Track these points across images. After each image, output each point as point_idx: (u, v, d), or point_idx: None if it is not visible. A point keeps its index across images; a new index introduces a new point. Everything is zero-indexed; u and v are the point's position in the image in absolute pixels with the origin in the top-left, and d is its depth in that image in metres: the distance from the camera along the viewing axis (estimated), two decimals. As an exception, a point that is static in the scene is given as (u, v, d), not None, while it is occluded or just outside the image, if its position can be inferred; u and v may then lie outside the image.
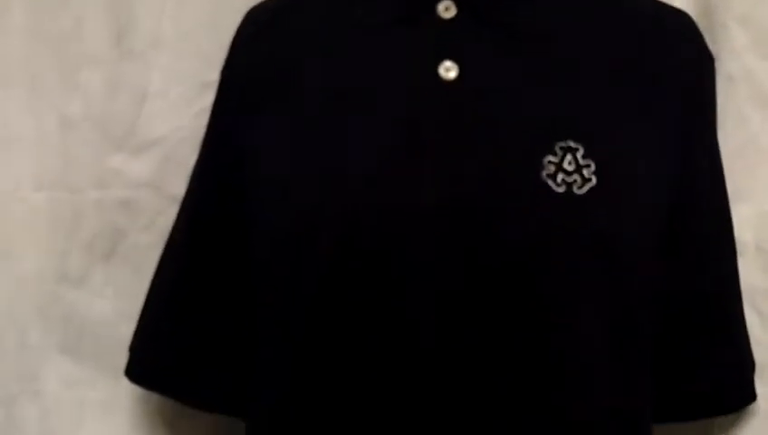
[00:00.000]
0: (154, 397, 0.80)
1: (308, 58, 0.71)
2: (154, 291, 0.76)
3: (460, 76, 0.66)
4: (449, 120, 0.66)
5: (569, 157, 0.65)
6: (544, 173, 0.64)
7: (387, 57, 0.69)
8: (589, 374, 0.65)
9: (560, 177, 0.64)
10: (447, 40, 0.68)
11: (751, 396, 0.73)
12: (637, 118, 0.67)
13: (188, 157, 0.78)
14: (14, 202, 0.83)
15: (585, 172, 0.65)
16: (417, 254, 0.64)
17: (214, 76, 0.77)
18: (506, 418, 0.64)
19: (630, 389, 0.67)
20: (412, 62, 0.68)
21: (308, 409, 0.67)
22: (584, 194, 0.64)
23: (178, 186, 0.78)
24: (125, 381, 0.77)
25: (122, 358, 0.76)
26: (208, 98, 0.77)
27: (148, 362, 0.76)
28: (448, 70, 0.66)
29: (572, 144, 0.65)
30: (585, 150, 0.65)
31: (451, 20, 0.68)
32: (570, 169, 0.64)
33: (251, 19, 0.76)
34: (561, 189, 0.64)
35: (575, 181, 0.64)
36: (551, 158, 0.65)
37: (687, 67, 0.70)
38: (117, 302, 0.82)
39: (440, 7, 0.68)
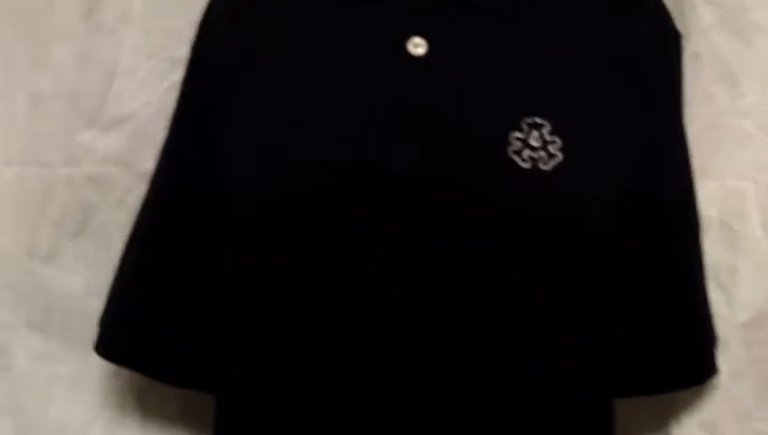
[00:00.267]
0: (124, 372, 0.80)
1: (277, 34, 0.71)
2: (123, 267, 0.76)
3: (429, 52, 0.66)
4: (418, 96, 0.66)
5: (535, 133, 0.65)
6: (511, 149, 0.65)
7: (356, 33, 0.69)
8: (551, 346, 0.66)
9: (526, 153, 0.65)
10: (416, 16, 0.68)
11: (713, 370, 0.74)
12: (604, 95, 0.68)
13: (159, 133, 0.77)
14: (-17, 178, 0.82)
15: (551, 148, 0.65)
16: (387, 226, 0.65)
17: (184, 51, 0.76)
18: (472, 387, 0.65)
19: (593, 362, 0.68)
20: (381, 39, 0.68)
21: (278, 382, 0.67)
22: (550, 170, 0.65)
23: (149, 162, 0.78)
24: (95, 357, 0.77)
25: (92, 333, 0.76)
26: (179, 73, 0.77)
27: (118, 338, 0.76)
28: (417, 46, 0.67)
29: (539, 120, 0.65)
30: (552, 127, 0.65)
31: None
32: (536, 146, 0.65)
33: None
34: (527, 165, 0.64)
35: (541, 157, 0.65)
36: (517, 134, 0.65)
37: (655, 45, 0.70)
38: (87, 278, 0.82)
39: None
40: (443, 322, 0.65)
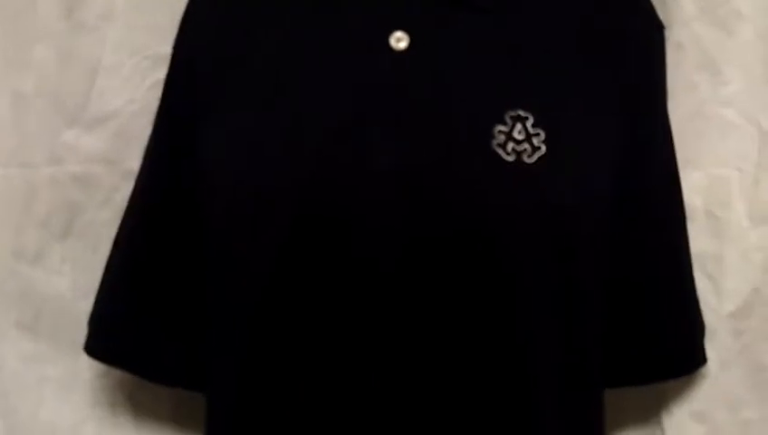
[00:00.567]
0: (114, 372, 0.80)
1: (259, 30, 0.71)
2: (111, 266, 0.76)
3: (411, 46, 0.66)
4: (400, 90, 0.66)
5: (519, 126, 0.65)
6: (494, 142, 0.65)
7: (337, 28, 0.69)
8: (538, 339, 0.66)
9: (510, 146, 0.65)
10: (398, 11, 0.68)
11: (701, 359, 0.74)
12: (587, 87, 0.68)
13: (143, 130, 0.77)
14: (-33, 179, 0.82)
15: (535, 141, 0.65)
16: (371, 221, 0.65)
17: (167, 49, 0.76)
18: (460, 382, 0.65)
19: (581, 353, 0.68)
20: (363, 33, 0.68)
21: (268, 379, 0.67)
22: (534, 163, 0.65)
23: (134, 160, 0.78)
24: (84, 357, 0.77)
25: (81, 334, 0.76)
26: (162, 71, 0.77)
27: (107, 338, 0.76)
28: (399, 40, 0.67)
29: (522, 113, 0.65)
30: (535, 119, 0.65)
31: None
32: (520, 138, 0.65)
33: None
34: (511, 158, 0.64)
35: (525, 150, 0.65)
36: (501, 127, 0.65)
37: (637, 36, 0.70)
38: (74, 278, 0.82)
39: None
40: (430, 317, 0.65)
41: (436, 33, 0.67)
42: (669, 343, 0.72)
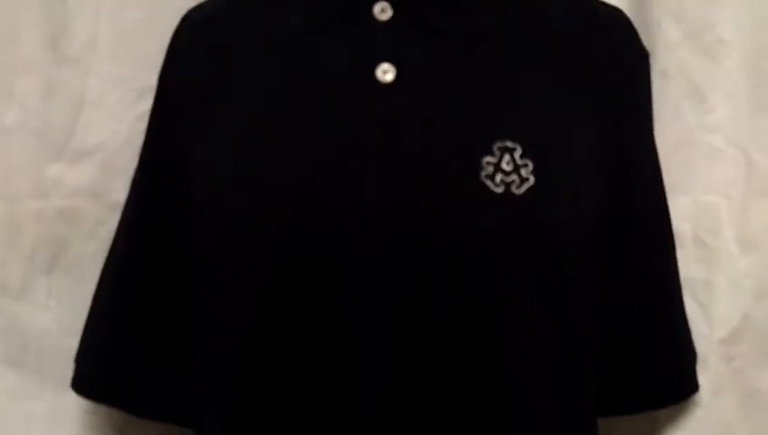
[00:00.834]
0: (102, 408, 0.79)
1: (245, 62, 0.70)
2: (97, 302, 0.75)
3: (398, 78, 0.66)
4: (388, 123, 0.66)
5: (507, 157, 0.65)
6: (483, 174, 0.64)
7: (324, 60, 0.68)
8: (531, 369, 0.65)
9: (498, 177, 0.64)
10: (384, 42, 0.67)
11: (693, 387, 0.74)
12: (573, 116, 0.68)
13: (129, 163, 0.77)
14: (-49, 214, 0.81)
15: (523, 172, 0.65)
16: (359, 257, 0.64)
17: (152, 80, 0.76)
18: (451, 413, 0.64)
19: (574, 383, 0.67)
20: (349, 66, 0.67)
21: (252, 420, 0.66)
22: (523, 194, 0.64)
23: (120, 193, 0.77)
24: (71, 393, 0.76)
25: (68, 370, 0.76)
26: (147, 102, 0.76)
27: (94, 374, 0.75)
28: (386, 72, 0.66)
29: (510, 144, 0.65)
30: (523, 150, 0.65)
31: (387, 22, 0.68)
32: (508, 170, 0.64)
33: (187, 23, 0.75)
34: (499, 190, 0.64)
35: (513, 181, 0.64)
36: (489, 158, 0.65)
37: (622, 64, 0.70)
38: (60, 313, 0.81)
39: (376, 9, 0.68)
40: (421, 354, 0.64)
41: (422, 64, 0.67)
42: (662, 371, 0.72)
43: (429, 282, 0.64)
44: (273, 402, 0.65)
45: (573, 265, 0.66)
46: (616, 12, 0.73)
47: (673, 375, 0.73)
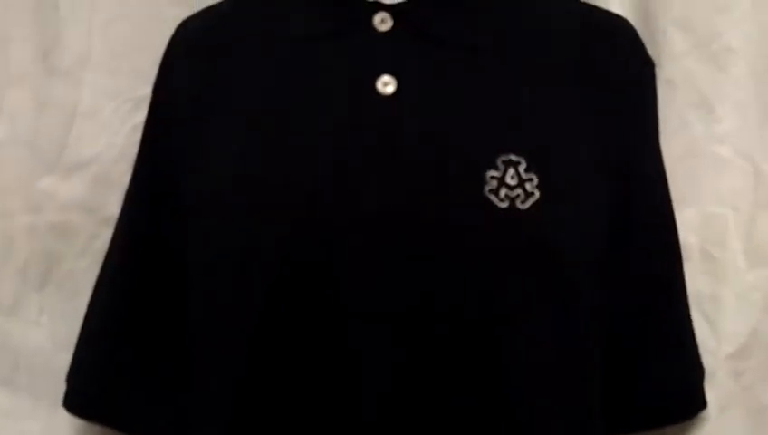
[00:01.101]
0: (95, 428, 0.77)
1: (242, 74, 0.70)
2: (90, 319, 0.74)
3: (398, 91, 0.65)
4: (388, 136, 0.65)
5: (511, 171, 0.63)
6: (487, 188, 0.63)
7: (323, 72, 0.67)
8: (536, 387, 0.64)
9: (503, 192, 0.63)
10: (384, 54, 0.66)
11: (701, 403, 0.73)
12: (577, 127, 0.67)
13: (123, 176, 0.76)
14: (-59, 229, 0.80)
15: (528, 186, 0.63)
16: (359, 271, 0.63)
17: (146, 91, 0.75)
18: (453, 425, 0.63)
19: (579, 401, 0.66)
20: (349, 77, 0.66)
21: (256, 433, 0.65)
22: (528, 208, 0.63)
23: (114, 207, 0.76)
24: (64, 412, 0.74)
25: (61, 388, 0.74)
26: (141, 114, 0.76)
27: (87, 393, 0.74)
28: (386, 84, 0.65)
29: (514, 158, 0.64)
30: (527, 164, 0.64)
31: (387, 33, 0.67)
32: (512, 184, 0.63)
33: (182, 34, 0.74)
34: (504, 205, 0.63)
35: (518, 196, 0.63)
36: (493, 172, 0.63)
37: (627, 74, 0.69)
38: (53, 330, 0.80)
39: (376, 19, 0.67)
40: (422, 368, 0.63)
41: (424, 75, 0.66)
42: (669, 387, 0.70)
43: (430, 297, 0.63)
44: (275, 415, 0.64)
45: (579, 281, 0.65)
46: (620, 20, 0.72)
47: (680, 391, 0.71)
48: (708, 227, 0.75)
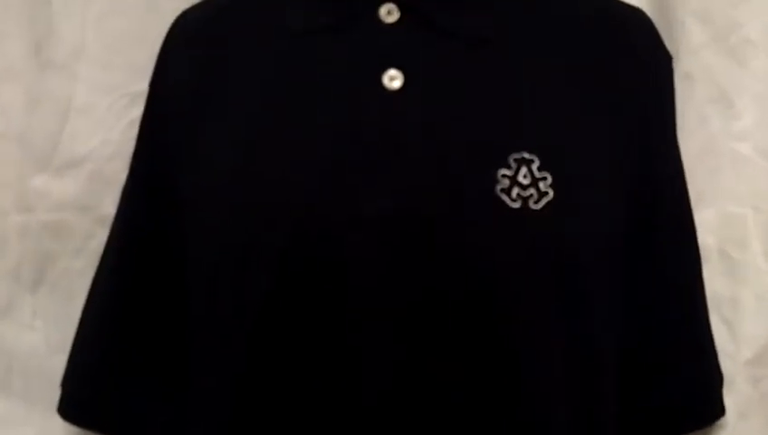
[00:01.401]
0: (91, 433, 0.75)
1: (243, 67, 0.68)
2: (85, 322, 0.73)
3: (405, 85, 0.63)
4: (394, 132, 0.63)
5: (524, 169, 0.61)
6: (498, 187, 0.61)
7: (327, 66, 0.65)
8: (548, 392, 0.63)
9: (515, 191, 0.61)
10: (390, 47, 0.64)
11: (720, 411, 0.71)
12: (593, 124, 0.64)
13: (119, 174, 0.75)
14: (-69, 228, 0.79)
15: (541, 185, 0.61)
16: (361, 271, 0.61)
17: (142, 86, 0.74)
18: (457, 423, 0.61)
19: (593, 408, 0.65)
20: (354, 71, 0.64)
21: None
22: (541, 209, 0.61)
23: (109, 206, 0.75)
24: (59, 418, 0.73)
25: (57, 392, 0.73)
26: (137, 110, 0.74)
27: (82, 399, 0.72)
28: (392, 79, 0.63)
29: (527, 155, 0.62)
30: (541, 162, 0.62)
31: (394, 25, 0.65)
32: (525, 183, 0.61)
33: (179, 27, 0.72)
34: (516, 205, 0.61)
35: (531, 196, 0.61)
36: (504, 171, 0.61)
37: (644, 68, 0.67)
38: (48, 333, 0.79)
39: (382, 11, 0.65)
40: (431, 374, 0.61)
41: (432, 70, 0.64)
42: (686, 394, 0.69)
43: (436, 299, 0.61)
44: (274, 412, 0.63)
45: (594, 284, 0.63)
46: (636, 12, 0.69)
47: (698, 399, 0.70)
48: (727, 227, 0.73)
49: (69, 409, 0.72)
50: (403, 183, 0.61)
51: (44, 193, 0.79)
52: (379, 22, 0.65)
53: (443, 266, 0.61)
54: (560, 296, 0.62)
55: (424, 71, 0.63)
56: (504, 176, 0.61)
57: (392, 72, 0.63)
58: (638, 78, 0.67)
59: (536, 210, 0.61)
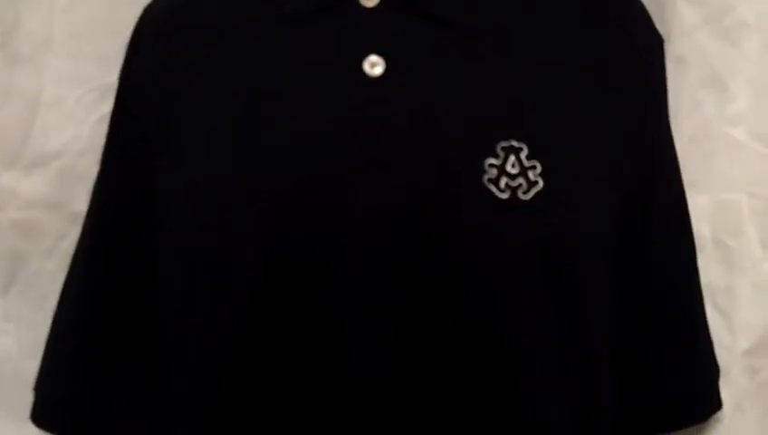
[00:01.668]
0: (66, 441, 0.74)
1: (218, 56, 0.66)
2: (57, 325, 0.71)
3: (387, 72, 0.61)
4: (376, 122, 0.61)
5: (512, 158, 0.60)
6: (486, 178, 0.59)
7: (304, 53, 0.63)
8: (541, 388, 0.61)
9: (503, 181, 0.59)
10: (371, 32, 0.62)
11: (716, 405, 0.70)
12: (583, 110, 0.63)
13: (91, 170, 0.73)
14: None
15: (531, 175, 0.60)
16: (350, 267, 0.60)
17: (113, 79, 0.72)
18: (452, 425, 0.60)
19: (587, 403, 0.63)
20: (333, 58, 0.62)
21: None
22: (531, 199, 0.59)
23: (82, 203, 0.73)
24: (32, 426, 0.71)
25: (30, 398, 0.71)
26: (108, 104, 0.73)
27: (55, 405, 0.70)
28: (374, 65, 0.61)
29: (515, 143, 0.60)
30: (529, 150, 0.60)
31: (374, 9, 0.63)
32: (513, 172, 0.60)
33: (150, 15, 0.70)
34: (504, 195, 0.59)
35: (520, 185, 0.60)
36: (492, 160, 0.60)
37: (635, 51, 0.66)
38: (19, 336, 0.78)
39: None
40: (421, 374, 0.60)
41: (415, 56, 0.62)
42: (682, 389, 0.67)
43: (426, 297, 0.59)
44: (259, 419, 0.62)
45: (587, 275, 0.62)
46: (625, -6, 0.68)
47: (694, 393, 0.68)
48: (722, 214, 0.72)
49: (42, 415, 0.70)
50: (386, 175, 0.60)
51: (14, 191, 0.78)
52: (360, 6, 0.63)
53: (430, 260, 0.59)
54: (553, 290, 0.60)
55: (406, 57, 0.62)
56: (491, 165, 0.60)
57: (373, 58, 0.61)
58: (630, 62, 0.65)
59: (525, 201, 0.59)
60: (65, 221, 0.77)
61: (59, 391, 0.70)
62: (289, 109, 0.62)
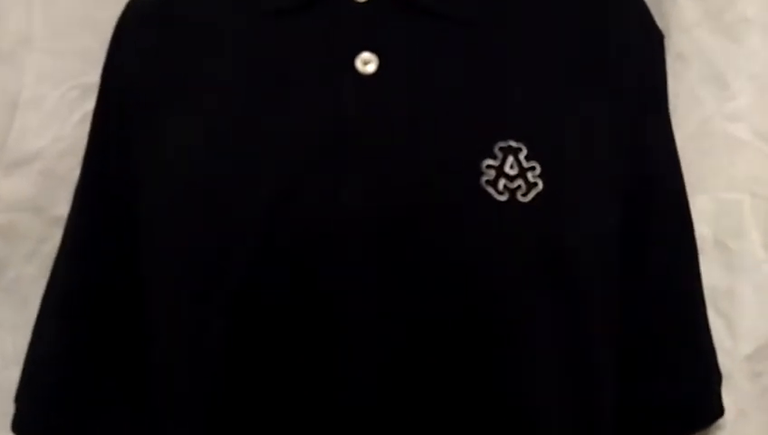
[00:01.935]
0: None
1: (206, 52, 0.65)
2: (39, 332, 0.69)
3: (380, 69, 0.60)
4: (370, 121, 0.59)
5: (510, 159, 0.58)
6: (484, 179, 0.58)
7: (295, 49, 0.62)
8: (541, 388, 0.60)
9: (501, 183, 0.58)
10: (364, 28, 0.61)
11: (718, 412, 0.69)
12: (583, 109, 0.62)
13: (73, 171, 0.71)
14: None
15: (530, 176, 0.59)
16: (344, 269, 0.59)
17: (95, 77, 0.71)
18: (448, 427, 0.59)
19: (586, 405, 0.62)
20: (325, 55, 0.61)
21: None
22: (530, 201, 0.58)
23: (64, 206, 0.72)
24: None
25: (10, 408, 0.70)
26: (90, 103, 0.71)
27: (37, 415, 0.69)
28: (366, 62, 0.60)
29: (514, 144, 0.59)
30: (528, 151, 0.59)
31: (367, 4, 0.61)
32: (512, 174, 0.58)
33: (133, 11, 0.69)
34: (503, 198, 0.58)
35: (519, 187, 0.58)
36: (490, 161, 0.58)
37: (635, 48, 0.65)
38: (0, 344, 0.76)
39: None
40: (416, 377, 0.59)
41: (409, 52, 0.61)
42: (684, 395, 0.66)
43: (424, 300, 0.58)
44: (255, 421, 0.61)
45: (588, 279, 0.61)
46: (625, -11, 0.67)
47: (696, 399, 0.67)
48: (723, 214, 0.71)
49: (23, 425, 0.69)
50: (381, 178, 0.59)
51: (-8, 194, 0.77)
52: (352, 1, 0.61)
53: (426, 265, 0.58)
54: (553, 294, 0.59)
55: (400, 53, 0.61)
56: (489, 167, 0.58)
57: (366, 54, 0.60)
58: (629, 59, 0.64)
59: (525, 203, 0.58)
60: (47, 224, 0.75)
61: (41, 402, 0.68)
62: (277, 108, 0.61)
